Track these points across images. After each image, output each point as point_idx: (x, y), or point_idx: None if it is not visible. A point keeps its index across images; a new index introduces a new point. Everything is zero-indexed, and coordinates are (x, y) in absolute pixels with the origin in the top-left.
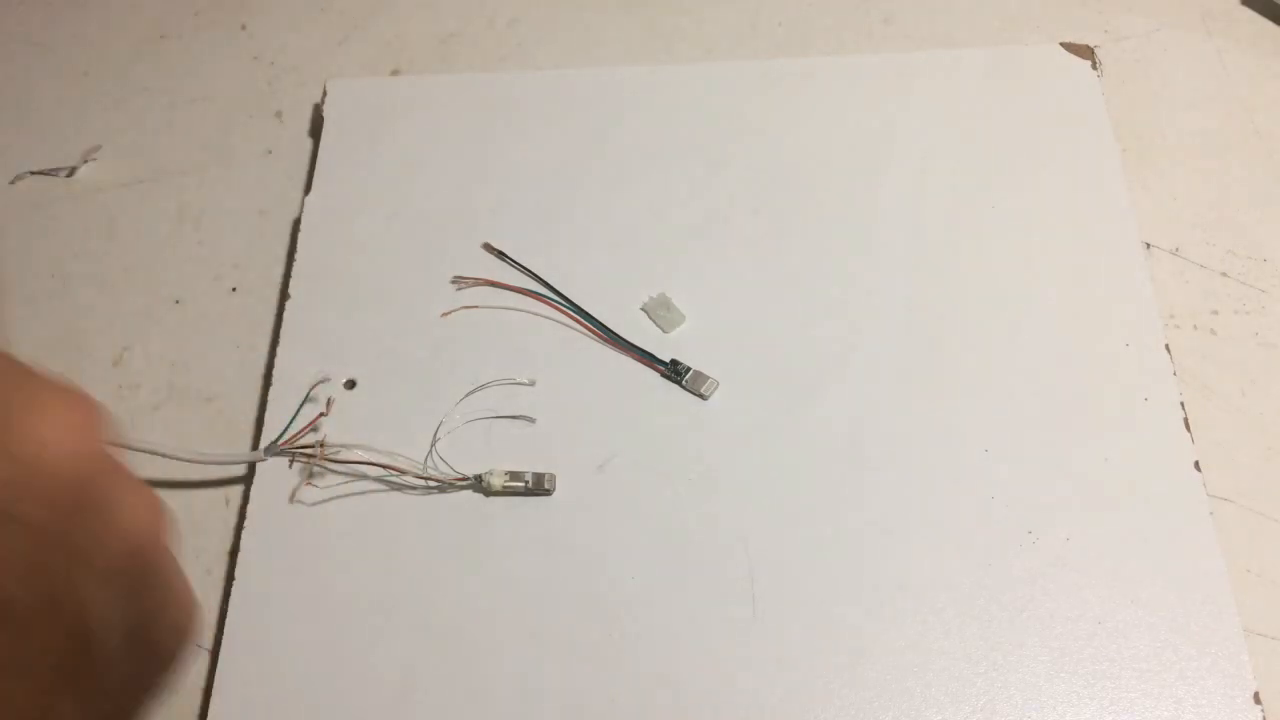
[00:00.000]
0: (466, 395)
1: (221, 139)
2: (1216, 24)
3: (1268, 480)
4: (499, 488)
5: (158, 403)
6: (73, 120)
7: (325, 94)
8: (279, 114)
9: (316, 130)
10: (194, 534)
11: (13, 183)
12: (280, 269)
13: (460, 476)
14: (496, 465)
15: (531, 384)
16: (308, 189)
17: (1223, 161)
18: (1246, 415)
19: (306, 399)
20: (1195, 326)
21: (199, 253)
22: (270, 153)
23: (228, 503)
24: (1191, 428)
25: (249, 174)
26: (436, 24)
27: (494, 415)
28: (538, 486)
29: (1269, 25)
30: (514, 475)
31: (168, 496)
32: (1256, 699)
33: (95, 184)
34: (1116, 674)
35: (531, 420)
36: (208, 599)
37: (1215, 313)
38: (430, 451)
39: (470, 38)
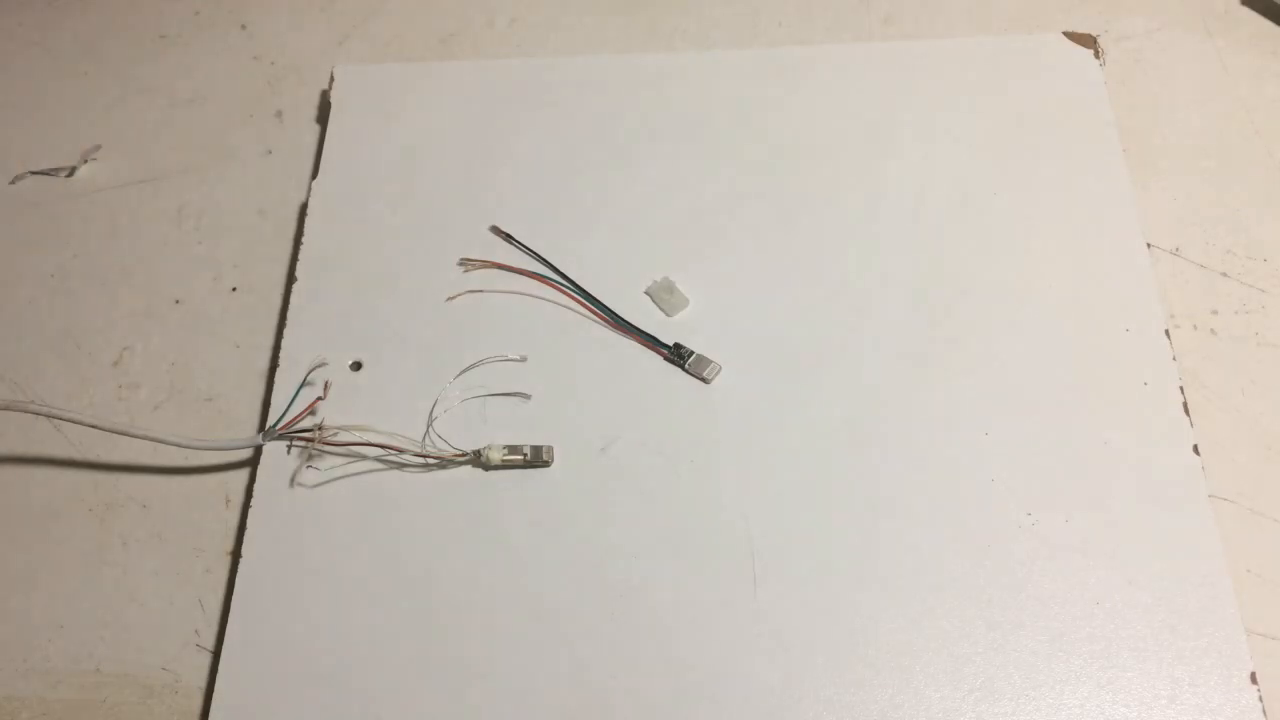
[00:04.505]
0: (460, 374)
1: (221, 139)
2: (1216, 24)
3: (1268, 480)
4: (498, 461)
5: (158, 403)
6: (73, 120)
7: (333, 80)
8: (279, 114)
9: (323, 118)
10: (194, 534)
11: (13, 183)
12: (281, 268)
13: (459, 452)
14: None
15: (523, 360)
16: (314, 174)
17: (1223, 161)
18: (1246, 415)
19: (304, 383)
20: (1195, 326)
21: (199, 253)
22: (270, 153)
23: (228, 503)
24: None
25: (249, 174)
26: (436, 24)
27: (494, 394)
28: (536, 459)
29: (1269, 25)
30: (512, 449)
31: (168, 495)
32: (1253, 679)
33: (95, 184)
34: (1114, 654)
35: (527, 397)
36: (208, 599)
37: (1215, 313)
38: (428, 430)
39: (470, 38)
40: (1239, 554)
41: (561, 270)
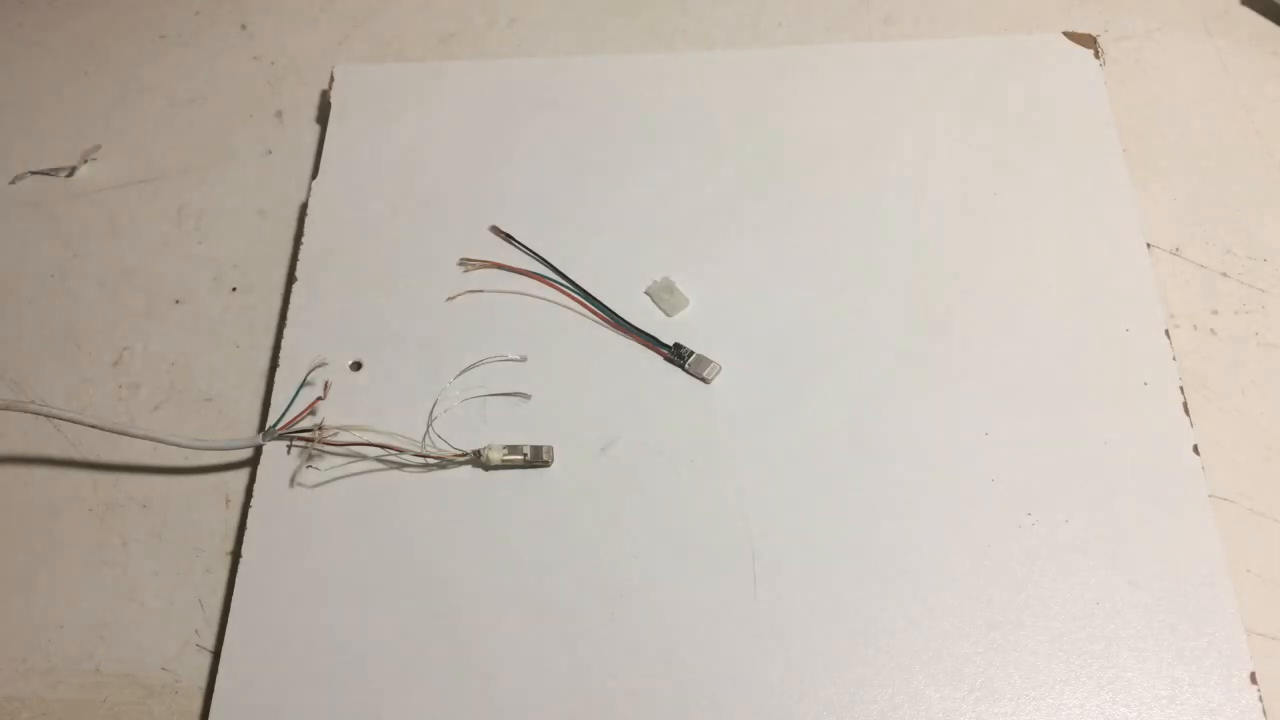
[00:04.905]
0: (460, 374)
1: (221, 139)
2: (1216, 24)
3: (1268, 480)
4: (498, 461)
5: (158, 403)
6: (73, 120)
7: (333, 80)
8: (279, 114)
9: (323, 118)
10: (194, 534)
11: (13, 183)
12: (281, 269)
13: (459, 452)
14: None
15: (523, 360)
16: (314, 174)
17: (1223, 161)
18: (1246, 415)
19: (304, 383)
20: (1195, 326)
21: (199, 253)
22: (270, 153)
23: (228, 503)
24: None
25: (249, 174)
26: (436, 23)
27: (494, 394)
28: (536, 459)
29: (1269, 25)
30: (512, 449)
31: (168, 495)
32: (1253, 679)
33: (95, 184)
34: (1114, 654)
35: (527, 397)
36: (207, 600)
37: (1215, 313)
38: (428, 430)
39: (470, 37)
40: (1239, 554)
41: (561, 270)
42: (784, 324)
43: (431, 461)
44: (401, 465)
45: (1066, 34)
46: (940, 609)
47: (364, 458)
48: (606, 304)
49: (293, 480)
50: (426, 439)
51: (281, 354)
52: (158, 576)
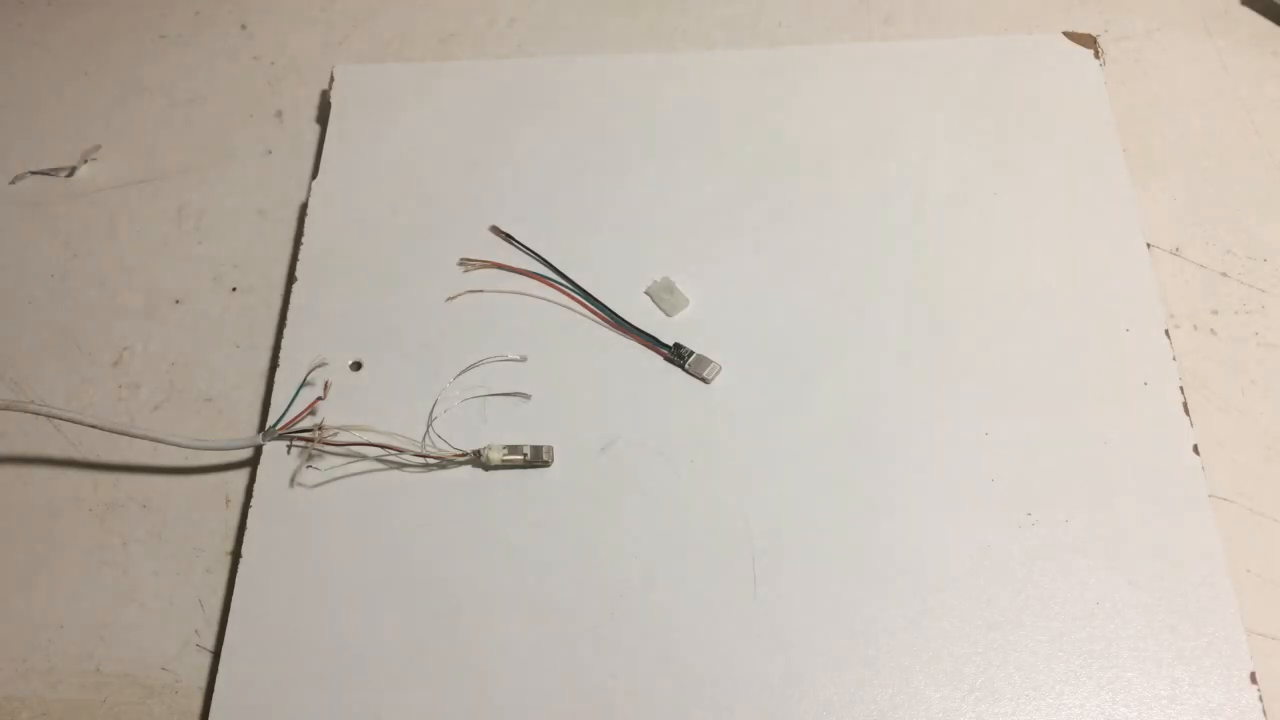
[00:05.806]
0: (460, 374)
1: (221, 139)
2: (1216, 24)
3: (1268, 480)
4: (498, 461)
5: (158, 403)
6: (73, 120)
7: (333, 80)
8: (279, 114)
9: (323, 118)
10: (194, 534)
11: (13, 183)
12: (281, 269)
13: (459, 452)
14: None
15: (523, 360)
16: (314, 174)
17: (1223, 161)
18: (1246, 415)
19: (305, 383)
20: (1195, 326)
21: (199, 253)
22: (270, 153)
23: (228, 503)
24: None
25: (249, 174)
26: (436, 23)
27: (494, 394)
28: (536, 459)
29: (1269, 25)
30: (512, 448)
31: (168, 495)
32: (1253, 679)
33: (95, 184)
34: (1114, 654)
35: (527, 397)
36: (207, 600)
37: (1215, 313)
38: (428, 430)
39: (470, 37)
40: (1239, 554)
41: (561, 270)
42: (784, 324)
43: (431, 461)
44: (401, 465)
45: (1066, 34)
46: (940, 609)
47: (364, 458)
48: (606, 304)
49: (293, 480)
50: (426, 439)
51: (281, 354)
52: (158, 576)
